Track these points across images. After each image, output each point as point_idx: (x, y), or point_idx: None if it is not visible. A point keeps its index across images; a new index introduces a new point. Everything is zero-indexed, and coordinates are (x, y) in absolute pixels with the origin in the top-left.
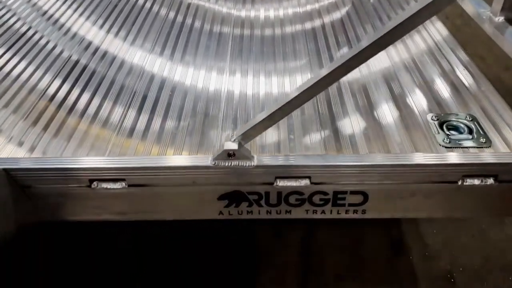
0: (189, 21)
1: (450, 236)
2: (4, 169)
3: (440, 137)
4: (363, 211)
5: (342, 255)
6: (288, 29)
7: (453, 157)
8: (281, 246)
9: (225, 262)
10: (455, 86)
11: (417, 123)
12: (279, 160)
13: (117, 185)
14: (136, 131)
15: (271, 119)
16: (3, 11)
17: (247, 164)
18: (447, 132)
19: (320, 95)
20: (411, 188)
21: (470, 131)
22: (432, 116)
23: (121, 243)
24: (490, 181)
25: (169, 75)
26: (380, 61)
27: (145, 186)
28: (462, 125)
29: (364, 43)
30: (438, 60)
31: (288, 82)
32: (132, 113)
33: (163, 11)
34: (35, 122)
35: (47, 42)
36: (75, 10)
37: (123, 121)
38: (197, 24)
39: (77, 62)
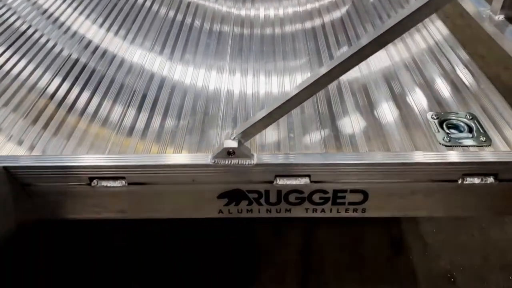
0: (189, 20)
1: (450, 235)
2: (4, 167)
3: (440, 135)
4: (363, 210)
5: (342, 254)
6: (288, 28)
7: (453, 156)
8: (281, 245)
9: (224, 260)
10: (455, 84)
11: (417, 121)
12: (279, 159)
13: (117, 183)
14: (135, 130)
15: (271, 117)
16: (3, 9)
17: (247, 162)
18: (447, 131)
19: (320, 94)
20: (411, 186)
21: (470, 130)
22: (432, 115)
23: (118, 241)
24: (490, 179)
25: (168, 74)
26: (380, 60)
27: (145, 184)
28: (462, 124)
29: (364, 41)
30: (438, 59)
31: (288, 81)
32: (131, 112)
33: (163, 10)
34: (34, 121)
35: (47, 41)
36: (75, 9)
37: (122, 120)
38: (197, 23)
39: (77, 60)
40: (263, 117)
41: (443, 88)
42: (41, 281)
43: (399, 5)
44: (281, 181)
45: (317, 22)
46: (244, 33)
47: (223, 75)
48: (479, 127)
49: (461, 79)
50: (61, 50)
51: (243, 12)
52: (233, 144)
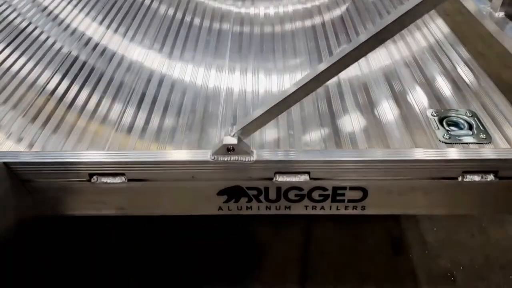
0: (188, 18)
1: (450, 234)
2: (4, 163)
3: (440, 133)
4: (363, 207)
5: (342, 252)
6: (288, 26)
7: (453, 153)
8: (281, 243)
9: (224, 258)
10: (455, 82)
11: (417, 119)
12: (279, 155)
13: (117, 180)
14: (135, 127)
15: (271, 114)
16: (3, 6)
17: (247, 159)
18: (447, 128)
19: (320, 92)
20: (410, 184)
21: (470, 127)
22: (432, 112)
23: (117, 238)
24: (490, 177)
25: (168, 71)
26: (380, 58)
27: (145, 180)
28: (462, 121)
29: (363, 37)
30: (439, 57)
31: (288, 80)
32: (131, 110)
33: (162, 8)
34: (34, 118)
35: (47, 38)
36: (75, 6)
37: (122, 118)
38: (197, 21)
39: (76, 58)
40: (263, 114)
41: (443, 86)
42: (40, 278)
43: (399, 2)
44: (280, 178)
45: (317, 20)
46: (244, 31)
47: (222, 73)
48: (479, 124)
49: (461, 77)
50: (61, 48)
51: (243, 10)
52: (233, 140)
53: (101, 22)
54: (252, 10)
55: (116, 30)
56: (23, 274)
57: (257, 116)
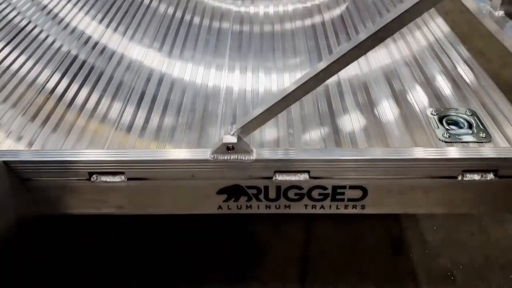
0: (188, 16)
1: (450, 233)
2: (4, 162)
3: (440, 131)
4: (363, 206)
5: (342, 252)
6: (288, 25)
7: (453, 152)
8: (281, 242)
9: (224, 257)
10: (455, 81)
11: (416, 118)
12: (278, 154)
13: (116, 178)
14: (135, 126)
15: (271, 112)
16: (3, 5)
17: (246, 158)
18: (447, 127)
19: (319, 91)
20: (410, 183)
21: (470, 126)
22: (432, 111)
23: (117, 238)
24: (490, 176)
25: (168, 70)
26: (380, 57)
27: (144, 179)
28: (462, 120)
29: (363, 36)
30: (438, 56)
31: (288, 79)
32: (131, 108)
33: (162, 6)
34: (34, 117)
35: (47, 37)
36: (75, 4)
37: (122, 116)
38: (196, 20)
39: (76, 56)
40: (262, 112)
41: (443, 85)
42: (40, 278)
43: (399, 0)
44: (280, 177)
45: (317, 19)
46: (244, 30)
47: (222, 72)
48: (479, 123)
49: (461, 76)
50: (61, 46)
51: (242, 9)
52: (232, 139)
53: (100, 21)
54: (251, 9)
55: (115, 29)
56: (23, 274)
57: (256, 114)
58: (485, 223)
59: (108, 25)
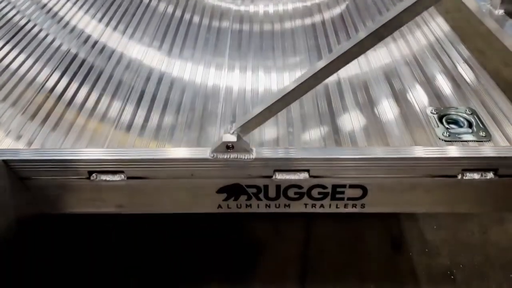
0: (187, 15)
1: (450, 232)
2: (4, 160)
3: (440, 130)
4: (362, 205)
5: (342, 251)
6: (288, 24)
7: (453, 151)
8: (281, 241)
9: (224, 257)
10: (455, 80)
11: (416, 117)
12: (278, 153)
13: (116, 177)
14: (134, 125)
15: (270, 111)
16: (3, 4)
17: (246, 157)
18: (447, 126)
19: (319, 90)
20: (410, 182)
21: (470, 125)
22: (432, 110)
23: (117, 238)
24: (490, 175)
25: (167, 69)
26: (380, 56)
27: (144, 178)
28: (461, 119)
29: (362, 34)
30: (438, 55)
31: (287, 78)
32: (130, 108)
33: (162, 5)
34: (33, 116)
35: (46, 35)
36: (74, 3)
37: (121, 115)
38: (196, 18)
39: (75, 55)
40: (262, 111)
41: (443, 84)
42: (40, 278)
43: None
44: (280, 176)
45: (317, 18)
46: (243, 29)
47: (222, 71)
48: (478, 122)
49: (461, 75)
50: (60, 45)
51: (242, 8)
52: (232, 138)
53: (100, 20)
54: (251, 8)
55: (115, 28)
56: (23, 274)
57: (256, 113)
58: (485, 222)
59: (107, 24)
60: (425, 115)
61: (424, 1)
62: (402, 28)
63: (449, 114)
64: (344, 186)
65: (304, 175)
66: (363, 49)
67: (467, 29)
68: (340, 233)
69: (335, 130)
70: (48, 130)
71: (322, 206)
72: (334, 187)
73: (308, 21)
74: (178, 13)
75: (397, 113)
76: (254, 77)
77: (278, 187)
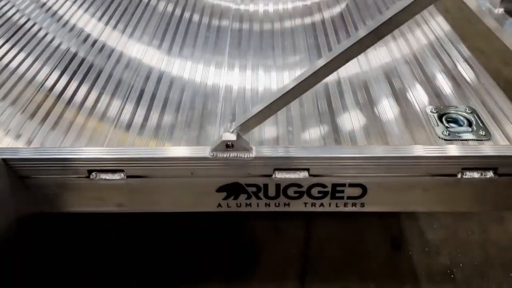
0: (187, 14)
1: (450, 231)
2: (3, 159)
3: (440, 129)
4: (362, 204)
5: (341, 250)
6: (288, 23)
7: (452, 150)
8: (280, 240)
9: (223, 258)
10: (455, 79)
11: (416, 116)
12: (278, 152)
13: (116, 176)
14: (134, 124)
15: (270, 110)
16: (2, 3)
17: (246, 156)
18: (447, 125)
19: (319, 90)
20: (410, 181)
21: (470, 124)
22: (432, 109)
23: (117, 238)
24: (490, 174)
25: (167, 68)
26: (380, 55)
27: (144, 177)
28: (461, 118)
29: (362, 32)
30: (438, 54)
31: (287, 77)
32: (130, 107)
33: (161, 4)
34: (33, 114)
35: (46, 34)
36: (74, 2)
37: (121, 114)
38: (196, 17)
39: (75, 54)
40: (262, 110)
41: (443, 83)
42: (40, 278)
43: None
44: (279, 175)
45: (317, 17)
46: (243, 28)
47: (221, 70)
48: (478, 121)
49: (460, 74)
50: (60, 44)
51: (242, 7)
52: (232, 137)
53: (100, 18)
54: (251, 7)
55: (115, 27)
56: (23, 274)
57: (256, 112)
58: (485, 221)
59: (107, 23)
60: (425, 114)
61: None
62: (402, 27)
63: (449, 113)
64: (343, 185)
65: (304, 174)
66: (362, 48)
67: (467, 28)
68: (340, 233)
69: (335, 129)
70: (48, 129)
71: (322, 205)
72: (334, 186)
73: (308, 20)
74: (177, 11)
75: (397, 112)
76: (253, 76)
77: (278, 186)
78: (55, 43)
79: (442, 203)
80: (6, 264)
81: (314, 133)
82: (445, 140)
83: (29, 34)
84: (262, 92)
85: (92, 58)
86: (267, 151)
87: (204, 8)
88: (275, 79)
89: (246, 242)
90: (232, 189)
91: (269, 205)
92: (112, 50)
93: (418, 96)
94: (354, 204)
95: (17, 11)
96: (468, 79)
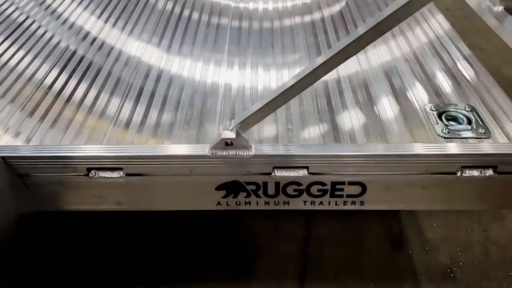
0: (187, 12)
1: (450, 230)
2: (2, 157)
3: (439, 127)
4: (361, 203)
5: (341, 249)
6: (287, 21)
7: (452, 148)
8: (280, 239)
9: (223, 258)
10: (455, 77)
11: (416, 113)
12: (277, 150)
13: (115, 174)
14: (133, 122)
15: (269, 108)
16: (1, 0)
17: (245, 154)
18: (446, 123)
19: (319, 88)
20: (409, 179)
21: (469, 122)
22: (431, 107)
23: (116, 238)
24: (490, 172)
25: (166, 66)
26: (379, 53)
27: (143, 175)
28: (461, 116)
29: (362, 30)
30: (438, 52)
31: (287, 75)
32: (129, 104)
33: (161, 2)
34: (32, 112)
35: (45, 32)
36: (73, 0)
37: (120, 113)
38: (195, 15)
39: (74, 52)
40: (261, 108)
41: (443, 81)
42: (40, 278)
43: None
44: (279, 173)
45: (316, 15)
46: (243, 26)
47: (221, 69)
48: (478, 119)
49: (460, 72)
50: (59, 42)
51: (241, 5)
52: (231, 134)
53: (99, 16)
54: (251, 5)
55: (114, 24)
56: (23, 274)
57: (255, 110)
58: (485, 219)
59: (106, 20)
60: (425, 112)
61: None
62: (401, 25)
63: (449, 111)
64: (343, 183)
65: (303, 172)
66: (362, 45)
67: (467, 26)
68: (340, 231)
69: (335, 127)
70: (47, 126)
71: (321, 203)
72: (333, 184)
73: (307, 18)
74: (177, 9)
75: (396, 110)
76: (253, 74)
77: (277, 184)
78: (54, 40)
79: (441, 201)
80: (5, 263)
81: (314, 131)
82: (444, 138)
83: (28, 32)
84: (262, 90)
85: (91, 56)
86: (266, 149)
87: (203, 6)
88: (274, 77)
89: (246, 242)
90: (231, 187)
91: (268, 203)
92: (112, 48)
93: (418, 94)
94: (353, 202)
95: (16, 8)
96: (467, 77)
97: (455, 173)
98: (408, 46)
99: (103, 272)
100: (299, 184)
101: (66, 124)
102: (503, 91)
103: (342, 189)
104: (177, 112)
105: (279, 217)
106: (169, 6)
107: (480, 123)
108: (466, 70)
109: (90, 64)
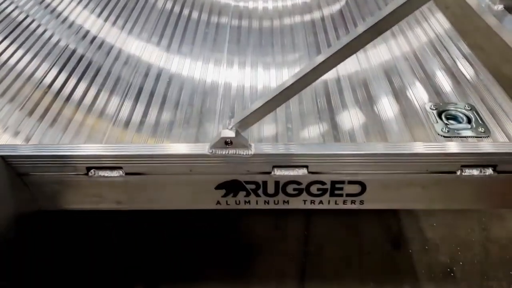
0: (186, 11)
1: (450, 229)
2: (1, 156)
3: (439, 126)
4: (361, 202)
5: (341, 248)
6: (287, 20)
7: (452, 147)
8: (280, 239)
9: (223, 258)
10: (455, 76)
11: (415, 112)
12: (277, 149)
13: (114, 173)
14: (132, 121)
15: (269, 106)
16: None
17: (244, 153)
18: (446, 122)
19: (319, 87)
20: (409, 178)
21: (469, 121)
22: (431, 105)
23: (116, 238)
24: (489, 171)
25: (166, 65)
26: (379, 52)
27: (142, 174)
28: (460, 115)
29: (361, 28)
30: (438, 51)
31: (287, 74)
32: (128, 104)
33: (160, 1)
34: (31, 112)
35: (44, 31)
36: None
37: (119, 112)
38: (195, 14)
39: (74, 51)
40: (261, 106)
41: (442, 80)
42: (40, 278)
43: None
44: (278, 172)
45: (316, 14)
46: (242, 26)
47: (220, 68)
48: (478, 118)
49: (460, 71)
50: (59, 41)
51: (241, 4)
52: (231, 133)
53: (99, 15)
54: (250, 4)
55: (114, 23)
56: (22, 275)
57: (255, 109)
58: (485, 219)
59: (106, 19)
60: (424, 111)
61: None
62: (401, 24)
63: (448, 110)
64: (343, 182)
65: (303, 171)
66: (362, 44)
67: (467, 25)
68: (340, 231)
69: (334, 126)
70: (46, 126)
71: (321, 202)
72: (333, 183)
73: (307, 17)
74: (176, 8)
75: (396, 109)
76: (253, 73)
77: (277, 183)
78: (54, 39)
79: (441, 201)
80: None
81: (313, 130)
82: (444, 137)
83: (28, 31)
84: (261, 89)
85: (91, 55)
86: (266, 148)
87: (203, 4)
88: (274, 76)
89: (246, 241)
90: (231, 187)
91: (268, 203)
92: (111, 47)
93: (417, 93)
94: (353, 202)
95: (16, 7)
96: (467, 76)
97: (454, 172)
98: (407, 45)
99: (102, 271)
100: (298, 183)
101: (66, 123)
102: (503, 90)
103: (341, 188)
104: (177, 111)
105: (279, 217)
106: (169, 5)
107: (480, 122)
108: (466, 69)
109: (89, 63)
